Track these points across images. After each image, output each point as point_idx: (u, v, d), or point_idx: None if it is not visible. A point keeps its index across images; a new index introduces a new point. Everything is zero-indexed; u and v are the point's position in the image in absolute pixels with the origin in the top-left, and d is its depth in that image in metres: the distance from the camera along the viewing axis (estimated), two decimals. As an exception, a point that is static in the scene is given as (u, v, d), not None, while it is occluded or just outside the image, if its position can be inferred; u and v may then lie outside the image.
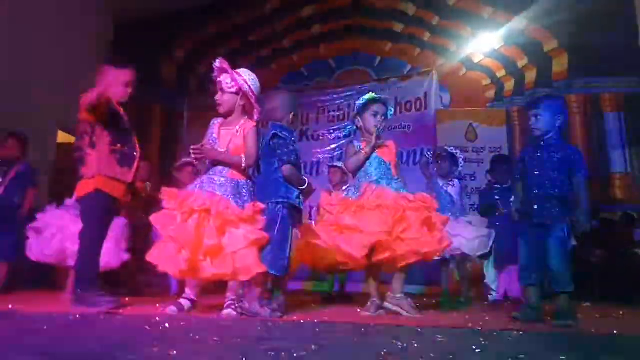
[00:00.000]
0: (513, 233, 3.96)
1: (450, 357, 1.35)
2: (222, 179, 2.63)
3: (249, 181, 2.72)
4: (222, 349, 1.38)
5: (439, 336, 1.78)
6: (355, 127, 3.08)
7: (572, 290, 2.53)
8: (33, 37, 5.50)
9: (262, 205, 2.56)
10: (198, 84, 7.62)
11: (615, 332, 2.14)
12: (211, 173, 2.68)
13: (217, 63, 2.73)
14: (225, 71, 2.74)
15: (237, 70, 2.79)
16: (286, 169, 2.66)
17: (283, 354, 1.27)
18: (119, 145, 2.82)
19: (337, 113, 7.37)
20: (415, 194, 2.82)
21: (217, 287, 2.97)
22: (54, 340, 1.46)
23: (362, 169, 2.91)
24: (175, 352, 1.25)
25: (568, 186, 2.62)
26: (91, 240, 2.72)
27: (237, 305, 2.54)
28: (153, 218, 2.56)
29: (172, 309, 2.60)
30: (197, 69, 7.55)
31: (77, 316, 2.13)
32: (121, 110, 2.94)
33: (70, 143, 6.16)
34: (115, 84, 2.88)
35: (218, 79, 2.78)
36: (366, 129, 2.98)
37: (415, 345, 1.55)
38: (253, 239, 2.45)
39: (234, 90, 2.75)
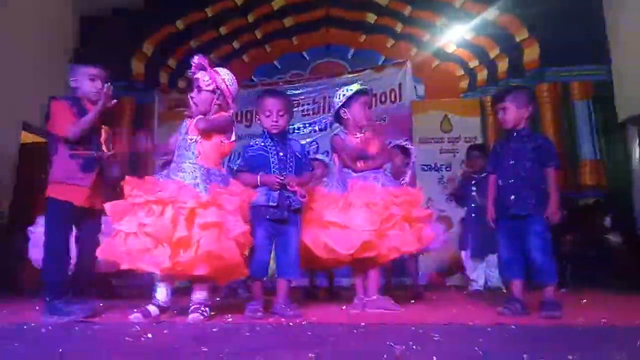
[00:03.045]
0: (488, 223, 4.06)
1: None
2: (192, 166, 2.53)
3: (220, 170, 2.63)
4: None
5: (435, 335, 1.74)
6: (335, 119, 3.03)
7: (556, 281, 2.55)
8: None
9: (223, 189, 2.48)
10: (169, 78, 7.40)
11: (603, 320, 2.15)
12: (179, 161, 2.58)
13: (196, 59, 2.61)
14: (204, 68, 2.63)
15: (216, 69, 2.69)
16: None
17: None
18: (81, 148, 2.68)
19: (312, 106, 7.28)
20: (401, 188, 2.81)
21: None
22: (32, 357, 1.34)
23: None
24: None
25: (541, 176, 2.63)
26: (50, 248, 2.61)
27: (203, 308, 2.42)
28: (109, 207, 2.41)
29: (136, 316, 2.36)
30: (168, 62, 7.33)
31: (50, 327, 1.99)
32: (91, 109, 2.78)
33: (35, 143, 5.90)
34: (83, 81, 2.79)
35: (195, 76, 2.66)
36: (355, 121, 2.93)
37: (414, 347, 1.50)
38: (202, 223, 2.32)
39: (211, 88, 2.65)
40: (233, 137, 2.69)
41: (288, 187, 2.63)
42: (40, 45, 5.89)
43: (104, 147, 2.78)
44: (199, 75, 2.65)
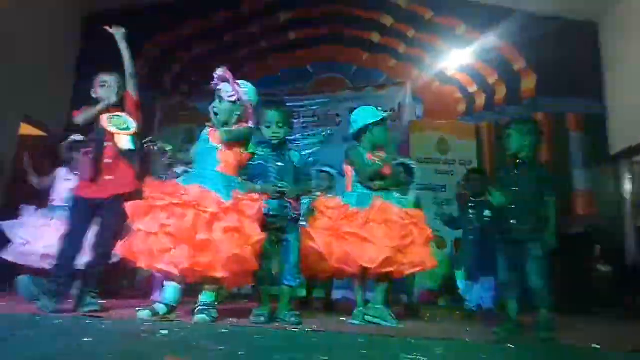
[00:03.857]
0: (485, 245, 4.14)
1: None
2: (213, 173, 2.62)
3: (239, 179, 2.71)
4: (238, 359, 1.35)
5: (438, 349, 1.80)
6: (354, 135, 3.10)
7: (550, 304, 2.64)
8: None
9: (244, 196, 2.55)
10: (172, 83, 7.46)
11: (595, 345, 2.23)
12: (200, 167, 2.66)
13: (219, 71, 2.71)
14: (226, 80, 2.72)
15: (238, 81, 2.78)
16: None
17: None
18: (90, 147, 2.89)
19: (312, 119, 7.40)
20: (411, 208, 2.91)
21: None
22: (56, 345, 1.38)
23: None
24: (191, 363, 1.21)
25: (541, 203, 2.73)
26: (61, 239, 2.73)
27: (210, 310, 2.48)
28: (128, 207, 2.49)
29: (144, 314, 2.43)
30: (171, 66, 7.39)
31: (62, 319, 2.02)
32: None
33: (35, 135, 5.91)
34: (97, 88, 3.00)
35: (217, 87, 2.77)
36: (376, 141, 3.02)
37: (420, 358, 1.56)
38: (224, 227, 2.39)
39: (232, 99, 2.74)
40: (251, 148, 2.78)
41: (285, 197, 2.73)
42: (44, 42, 5.93)
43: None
44: (221, 86, 2.74)
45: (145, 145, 2.69)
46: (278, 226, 2.75)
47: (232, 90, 2.72)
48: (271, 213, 2.71)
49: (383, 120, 3.03)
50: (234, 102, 2.76)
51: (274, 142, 2.86)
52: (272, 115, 2.86)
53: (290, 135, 7.58)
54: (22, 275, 2.57)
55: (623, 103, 5.82)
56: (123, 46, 2.93)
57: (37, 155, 5.56)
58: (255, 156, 2.85)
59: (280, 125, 2.85)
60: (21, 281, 2.50)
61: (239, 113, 2.77)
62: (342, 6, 7.12)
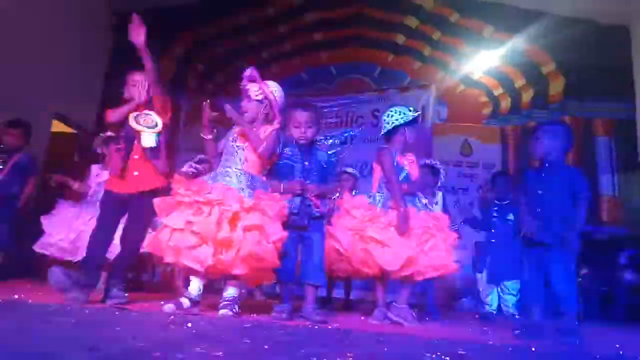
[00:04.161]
0: (507, 249, 4.11)
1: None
2: (237, 172, 2.67)
3: (263, 178, 2.76)
4: (263, 352, 1.38)
5: (460, 349, 1.80)
6: (385, 136, 3.08)
7: (576, 309, 2.60)
8: (30, 23, 5.38)
9: (266, 196, 2.60)
10: (197, 81, 7.57)
11: (621, 352, 2.20)
12: (225, 166, 2.71)
13: (247, 72, 2.78)
14: (254, 80, 2.79)
15: (265, 81, 2.85)
16: None
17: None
18: (122, 143, 2.93)
19: (334, 120, 7.41)
20: (435, 212, 2.91)
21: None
22: (90, 333, 1.44)
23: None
24: (220, 353, 1.24)
25: (570, 207, 2.69)
26: (91, 232, 2.81)
27: (233, 305, 2.54)
28: (156, 203, 2.55)
29: (169, 307, 2.48)
30: (197, 65, 7.50)
31: (90, 310, 2.09)
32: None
33: (66, 133, 6.08)
34: (128, 87, 3.04)
35: (245, 87, 2.83)
36: (407, 142, 3.02)
37: (444, 358, 1.57)
38: (245, 225, 2.43)
39: (259, 97, 2.80)
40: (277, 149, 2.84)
41: (307, 195, 2.77)
42: (75, 40, 6.08)
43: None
44: (249, 86, 2.80)
45: (204, 103, 2.76)
46: (299, 225, 2.78)
47: (259, 89, 2.78)
48: (293, 211, 2.75)
49: (414, 120, 3.03)
50: (260, 101, 2.81)
51: (301, 142, 2.89)
52: (300, 115, 2.89)
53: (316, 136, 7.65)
54: (54, 267, 2.65)
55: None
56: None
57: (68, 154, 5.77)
58: (282, 156, 2.90)
59: (309, 125, 2.89)
60: (53, 272, 2.58)
61: (266, 112, 2.82)
62: (366, 8, 7.14)
